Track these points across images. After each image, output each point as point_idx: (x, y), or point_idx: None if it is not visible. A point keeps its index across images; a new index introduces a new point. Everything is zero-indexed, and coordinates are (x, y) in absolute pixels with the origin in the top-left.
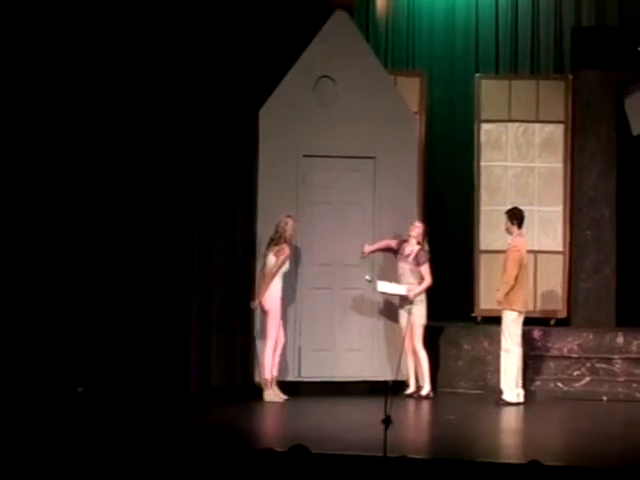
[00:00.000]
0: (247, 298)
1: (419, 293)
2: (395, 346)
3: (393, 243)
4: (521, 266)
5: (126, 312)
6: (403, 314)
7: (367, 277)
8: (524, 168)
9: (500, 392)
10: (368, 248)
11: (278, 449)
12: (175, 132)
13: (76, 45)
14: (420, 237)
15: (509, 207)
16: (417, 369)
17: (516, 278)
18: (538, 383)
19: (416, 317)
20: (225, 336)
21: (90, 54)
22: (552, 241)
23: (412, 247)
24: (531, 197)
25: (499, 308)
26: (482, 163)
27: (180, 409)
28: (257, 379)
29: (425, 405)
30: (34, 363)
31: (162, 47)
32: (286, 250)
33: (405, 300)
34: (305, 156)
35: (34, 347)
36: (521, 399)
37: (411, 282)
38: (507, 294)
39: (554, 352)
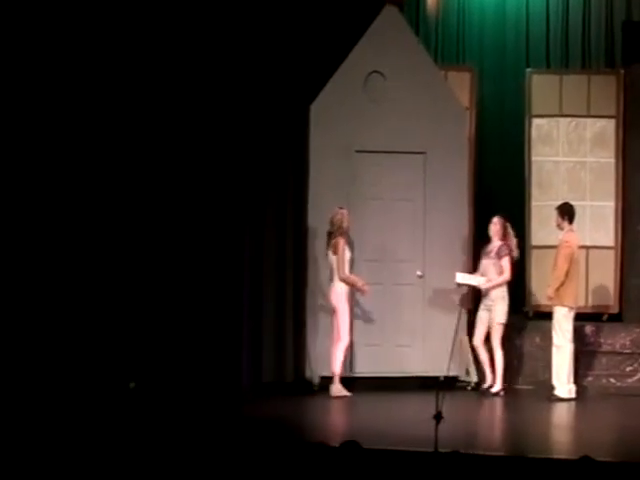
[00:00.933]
0: (299, 293)
1: (495, 286)
2: (448, 341)
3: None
4: (572, 262)
5: (179, 308)
6: (483, 310)
7: (418, 272)
8: (576, 163)
9: (552, 388)
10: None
11: (330, 444)
12: (228, 127)
13: (115, 44)
14: (500, 234)
15: (560, 202)
16: (479, 366)
17: (567, 274)
18: (590, 379)
19: (497, 315)
20: (276, 332)
21: (131, 53)
22: (604, 237)
23: (494, 244)
24: (583, 192)
25: (550, 304)
26: (533, 158)
27: (232, 403)
28: (308, 374)
29: (477, 401)
30: (87, 359)
31: (216, 42)
32: (340, 242)
33: (487, 297)
34: (356, 151)
35: (87, 342)
36: (573, 395)
37: (493, 277)
38: (558, 290)
39: (606, 348)
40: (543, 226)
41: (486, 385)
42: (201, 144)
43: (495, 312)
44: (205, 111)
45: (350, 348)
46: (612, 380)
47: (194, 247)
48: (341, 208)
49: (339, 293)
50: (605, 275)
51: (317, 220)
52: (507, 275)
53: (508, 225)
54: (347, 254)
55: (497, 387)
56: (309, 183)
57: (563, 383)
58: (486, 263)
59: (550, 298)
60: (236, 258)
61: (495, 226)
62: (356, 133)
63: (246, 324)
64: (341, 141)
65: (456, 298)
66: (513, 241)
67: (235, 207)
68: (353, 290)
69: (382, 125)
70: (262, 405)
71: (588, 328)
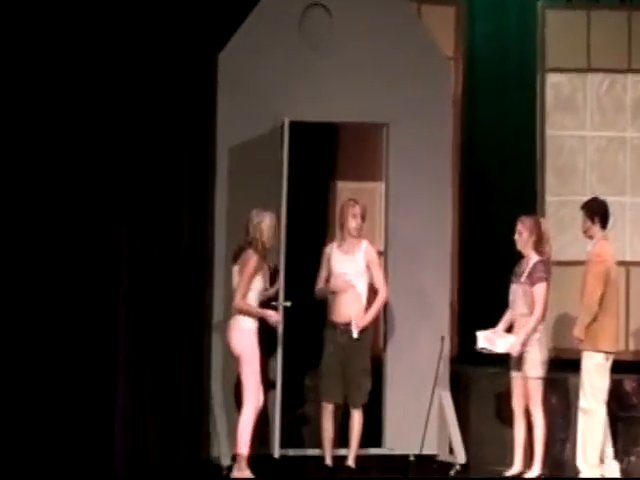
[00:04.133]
0: (199, 333)
1: (525, 340)
2: (422, 405)
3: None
4: (608, 284)
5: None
6: (514, 361)
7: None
8: (611, 140)
9: (577, 471)
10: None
11: None
12: (98, 90)
13: None
14: (530, 243)
15: (587, 198)
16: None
17: (601, 302)
18: (633, 458)
19: (530, 366)
20: (166, 391)
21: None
22: None
23: (529, 260)
24: (620, 183)
25: (578, 348)
26: (548, 132)
27: None
28: (215, 453)
29: None
30: None
31: None
32: (252, 259)
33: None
34: (288, 122)
35: None
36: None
37: (523, 313)
38: (589, 326)
39: None
40: (562, 231)
41: (514, 471)
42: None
43: (527, 362)
44: (70, 60)
45: (266, 415)
46: None
47: (46, 265)
48: (264, 211)
49: (245, 330)
50: None
51: (227, 225)
52: (538, 313)
53: (543, 228)
54: (260, 280)
55: (534, 472)
56: (216, 169)
57: (593, 465)
58: (515, 290)
59: (579, 340)
60: (106, 284)
61: (520, 234)
62: (287, 96)
63: (121, 383)
64: (263, 106)
65: (433, 334)
66: (551, 254)
67: (106, 203)
68: (270, 326)
69: (325, 83)
70: None
71: (628, 384)
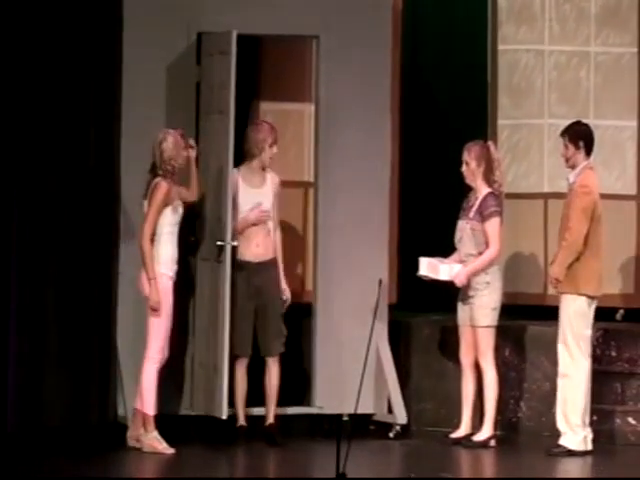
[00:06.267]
0: (106, 282)
1: (473, 273)
2: (356, 360)
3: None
4: (594, 219)
5: None
6: (462, 308)
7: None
8: (572, 55)
9: (557, 434)
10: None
11: None
12: None
13: None
14: (478, 173)
15: (544, 121)
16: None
17: (586, 240)
18: (595, 418)
19: (479, 313)
20: (68, 349)
21: None
22: (619, 179)
23: (478, 193)
24: (584, 104)
25: (557, 292)
26: (501, 47)
27: None
28: (121, 412)
29: (415, 455)
30: None
31: None
32: (161, 186)
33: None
34: (203, 34)
35: None
36: (588, 446)
37: (471, 253)
38: (571, 267)
39: (622, 366)
40: (517, 160)
41: (461, 432)
42: None
43: (477, 308)
44: None
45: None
46: (632, 420)
47: None
48: (170, 131)
49: (155, 272)
50: (623, 243)
51: (136, 159)
52: (494, 249)
53: (493, 155)
54: (175, 210)
55: (484, 434)
56: (122, 96)
57: (576, 425)
58: (462, 227)
59: (557, 281)
60: None
61: (467, 165)
62: (203, 6)
63: (13, 335)
64: (178, 17)
65: (369, 277)
66: (503, 184)
67: None
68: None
69: None
70: (42, 463)
71: (594, 334)
